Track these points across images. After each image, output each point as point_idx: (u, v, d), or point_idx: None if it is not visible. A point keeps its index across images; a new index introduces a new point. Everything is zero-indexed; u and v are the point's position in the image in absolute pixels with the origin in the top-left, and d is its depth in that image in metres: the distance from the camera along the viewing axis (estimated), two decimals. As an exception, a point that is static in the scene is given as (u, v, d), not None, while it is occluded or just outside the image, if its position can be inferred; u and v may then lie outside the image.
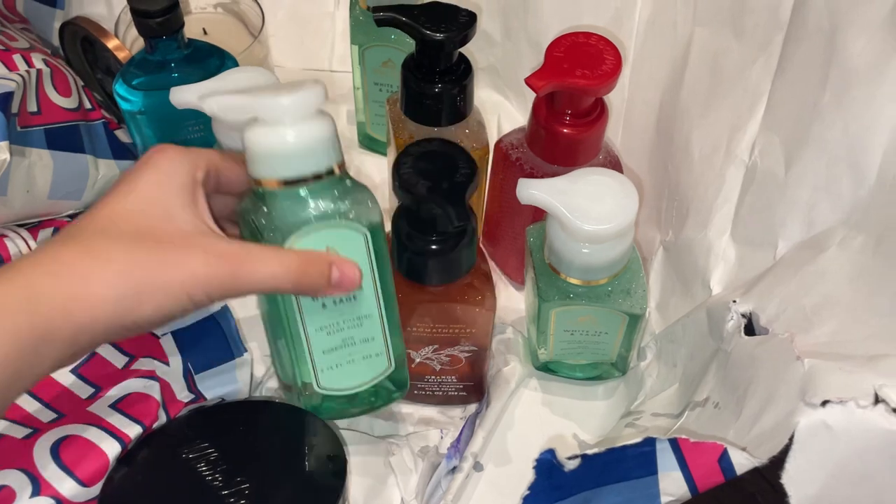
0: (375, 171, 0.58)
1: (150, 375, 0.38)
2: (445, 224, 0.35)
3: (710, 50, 0.43)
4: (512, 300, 0.50)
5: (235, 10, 0.59)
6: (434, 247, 0.36)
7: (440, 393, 0.45)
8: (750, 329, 0.36)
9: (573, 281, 0.38)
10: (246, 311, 0.48)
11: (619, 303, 0.39)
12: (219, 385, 0.40)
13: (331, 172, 0.32)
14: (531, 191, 0.34)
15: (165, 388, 0.38)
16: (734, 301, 0.37)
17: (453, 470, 0.42)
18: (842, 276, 0.34)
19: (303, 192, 0.31)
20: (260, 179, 0.31)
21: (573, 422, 0.45)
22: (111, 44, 0.52)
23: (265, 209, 0.32)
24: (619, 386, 0.46)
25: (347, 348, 0.36)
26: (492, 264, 0.52)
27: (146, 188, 0.30)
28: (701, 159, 0.43)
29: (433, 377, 0.44)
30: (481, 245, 0.52)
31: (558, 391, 0.46)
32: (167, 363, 0.38)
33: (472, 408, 0.46)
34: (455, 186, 0.34)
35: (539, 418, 0.45)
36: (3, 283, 0.27)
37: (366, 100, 0.56)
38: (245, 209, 0.33)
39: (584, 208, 0.34)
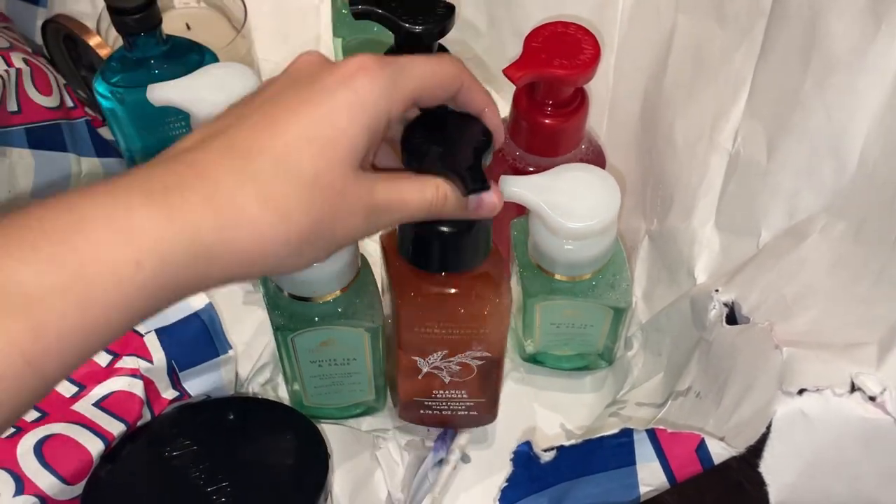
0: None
1: (135, 374, 0.38)
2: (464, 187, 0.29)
3: (693, 38, 0.43)
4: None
5: (218, 4, 0.58)
6: (446, 228, 0.32)
7: (448, 412, 0.41)
8: (732, 318, 0.36)
9: (557, 277, 0.38)
10: (231, 308, 0.48)
11: (603, 297, 0.39)
12: (203, 382, 0.40)
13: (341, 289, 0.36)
14: (512, 188, 0.34)
15: (149, 385, 0.38)
16: (717, 290, 0.37)
17: (440, 462, 0.42)
18: (822, 265, 0.34)
19: (314, 306, 0.36)
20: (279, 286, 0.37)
21: (560, 413, 0.45)
22: (93, 41, 0.51)
23: (278, 306, 0.37)
24: (606, 376, 0.46)
25: (336, 386, 0.42)
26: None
27: (337, 115, 0.25)
28: (685, 147, 0.43)
29: (441, 392, 0.40)
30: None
31: (545, 382, 0.46)
32: (151, 361, 0.38)
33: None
34: (471, 151, 0.29)
35: (526, 410, 0.45)
36: (163, 218, 0.22)
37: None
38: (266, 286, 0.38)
39: (566, 205, 0.34)
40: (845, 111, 0.34)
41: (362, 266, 0.38)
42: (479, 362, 0.38)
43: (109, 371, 0.38)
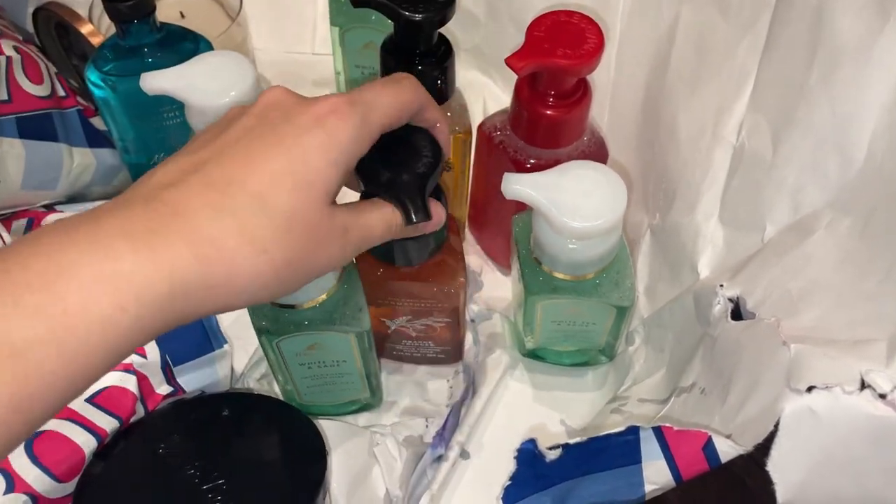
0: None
1: (127, 369, 0.37)
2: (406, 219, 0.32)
3: (696, 29, 0.42)
4: (499, 287, 0.49)
5: (214, -8, 0.57)
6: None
7: (419, 355, 0.45)
8: (737, 313, 0.35)
9: (560, 275, 0.38)
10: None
11: (606, 295, 0.38)
12: (198, 378, 0.39)
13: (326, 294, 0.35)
14: (515, 186, 0.33)
15: (143, 380, 0.37)
16: (721, 285, 0.36)
17: (439, 459, 0.42)
18: (828, 260, 0.33)
19: (298, 311, 0.35)
20: None
21: (560, 409, 0.44)
22: (85, 29, 0.50)
23: (260, 311, 0.36)
24: (607, 371, 0.45)
25: (328, 386, 0.41)
26: (478, 248, 0.51)
27: (312, 155, 0.26)
28: (688, 141, 0.42)
29: (410, 341, 0.44)
30: (467, 226, 0.52)
31: (545, 378, 0.45)
32: (145, 356, 0.37)
33: (458, 395, 0.45)
34: (415, 178, 0.31)
35: (526, 406, 0.45)
36: (147, 262, 0.23)
37: (347, 84, 0.55)
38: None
39: (571, 204, 0.33)
40: (851, 105, 0.34)
41: (348, 266, 0.37)
42: (442, 324, 0.42)
43: (102, 366, 0.37)
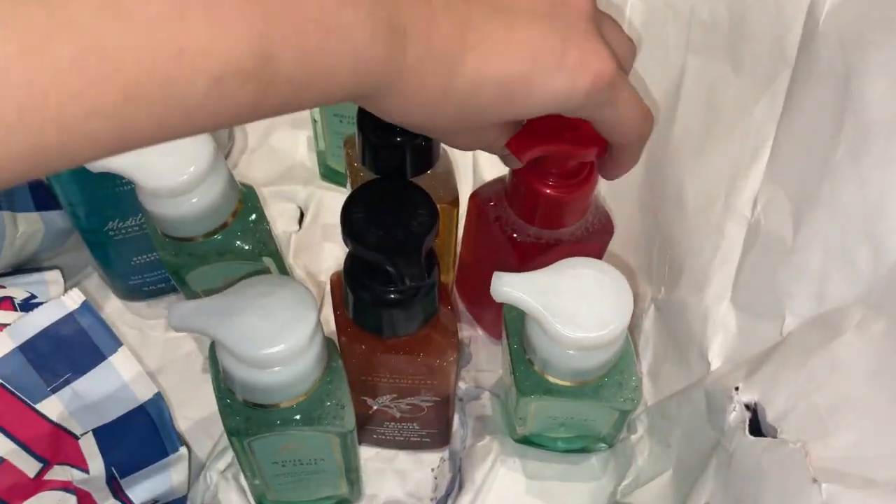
0: (338, 207, 0.52)
1: (67, 487, 0.33)
2: (399, 281, 0.30)
3: (705, 83, 0.38)
4: (490, 360, 0.45)
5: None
6: (388, 298, 0.31)
7: (402, 439, 0.41)
8: (755, 425, 0.31)
9: (555, 380, 0.33)
10: (188, 377, 0.43)
11: (608, 399, 0.34)
12: (150, 487, 0.35)
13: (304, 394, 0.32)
14: (506, 289, 0.29)
15: (85, 498, 0.33)
16: (736, 389, 0.32)
17: (422, 565, 0.38)
18: (860, 370, 0.29)
19: (274, 411, 0.32)
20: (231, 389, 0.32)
21: (556, 501, 0.40)
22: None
23: (231, 408, 0.32)
24: (607, 460, 0.41)
25: (303, 483, 0.37)
26: (467, 317, 0.47)
27: (540, 87, 0.24)
28: (696, 210, 0.38)
29: (393, 423, 0.40)
30: (455, 292, 0.47)
31: (540, 468, 0.41)
32: (86, 470, 0.33)
33: (444, 487, 0.41)
34: (410, 238, 0.29)
35: (518, 499, 0.40)
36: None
37: (325, 131, 0.50)
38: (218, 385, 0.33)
39: (570, 311, 0.29)
40: (883, 187, 0.29)
41: (332, 358, 0.33)
42: (429, 403, 0.38)
43: (38, 484, 0.33)
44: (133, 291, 0.48)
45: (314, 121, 0.50)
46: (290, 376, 0.30)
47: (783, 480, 0.28)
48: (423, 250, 0.29)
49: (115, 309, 0.48)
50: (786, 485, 0.27)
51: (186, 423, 0.42)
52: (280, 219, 0.52)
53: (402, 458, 0.42)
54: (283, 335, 0.28)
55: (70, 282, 0.47)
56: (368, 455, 0.42)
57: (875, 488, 0.25)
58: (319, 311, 0.32)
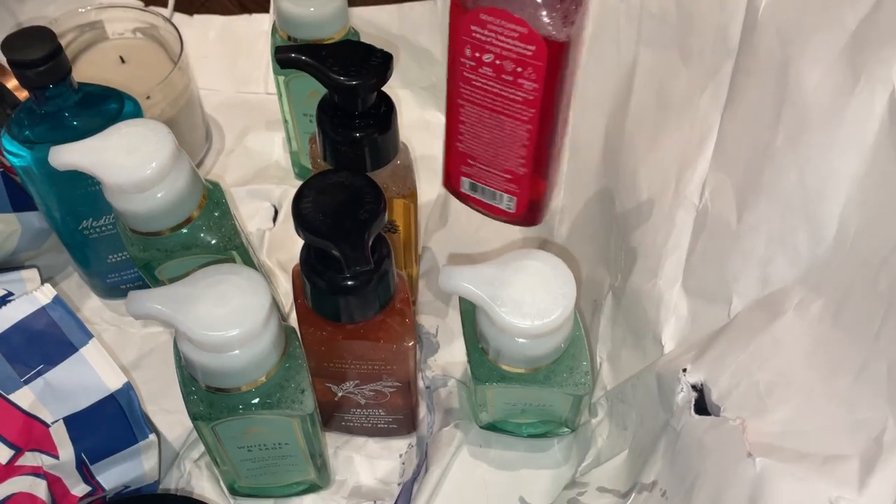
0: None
1: (37, 472, 0.34)
2: (346, 267, 0.32)
3: (656, 75, 0.39)
4: (457, 349, 0.46)
5: (156, 35, 0.54)
6: (342, 285, 0.33)
7: (369, 425, 0.43)
8: (701, 404, 0.32)
9: (507, 368, 0.34)
10: (162, 365, 0.44)
11: (560, 385, 0.35)
12: (120, 473, 0.36)
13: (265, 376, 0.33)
14: (455, 281, 0.30)
15: (55, 483, 0.34)
16: (684, 370, 0.33)
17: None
18: (798, 349, 0.30)
19: (234, 395, 0.33)
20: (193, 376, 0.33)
21: (520, 486, 0.41)
22: (11, 83, 0.47)
23: (194, 393, 0.33)
24: (569, 445, 0.42)
25: (270, 468, 0.38)
26: (434, 307, 0.48)
27: None
28: (649, 198, 0.39)
29: (359, 410, 0.41)
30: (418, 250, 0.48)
31: (503, 452, 0.42)
32: (56, 456, 0.34)
33: (410, 473, 0.42)
34: (356, 226, 0.31)
35: (483, 482, 0.41)
36: None
37: (296, 131, 0.51)
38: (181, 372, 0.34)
39: (517, 300, 0.30)
40: (820, 172, 0.30)
41: (290, 343, 0.34)
42: (392, 389, 0.39)
43: (9, 469, 0.34)
44: (111, 290, 0.49)
45: (286, 121, 0.51)
46: (247, 359, 0.31)
47: (722, 456, 0.29)
48: (368, 237, 0.30)
49: (94, 307, 0.49)
50: (724, 460, 0.28)
51: (163, 414, 0.43)
52: (255, 216, 0.53)
53: (372, 446, 0.43)
54: (238, 319, 0.29)
55: (50, 282, 0.48)
56: (338, 443, 0.43)
57: (806, 461, 0.26)
58: (276, 298, 0.33)
